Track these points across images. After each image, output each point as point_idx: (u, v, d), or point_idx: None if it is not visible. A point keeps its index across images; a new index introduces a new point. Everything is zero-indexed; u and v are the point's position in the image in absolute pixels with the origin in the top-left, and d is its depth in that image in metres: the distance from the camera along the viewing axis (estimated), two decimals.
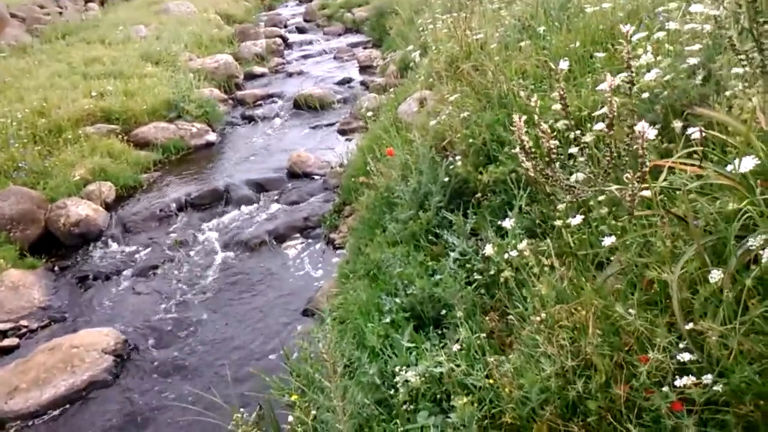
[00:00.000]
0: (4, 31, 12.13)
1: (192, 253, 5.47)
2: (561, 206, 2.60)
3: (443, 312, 2.74)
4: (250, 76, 11.18)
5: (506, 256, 2.60)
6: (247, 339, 4.10)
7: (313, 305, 4.23)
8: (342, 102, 9.19)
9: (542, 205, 3.07)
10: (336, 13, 15.48)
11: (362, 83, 9.65)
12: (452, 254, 2.95)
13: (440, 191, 3.58)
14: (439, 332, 2.68)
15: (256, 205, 6.22)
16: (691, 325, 1.73)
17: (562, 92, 1.53)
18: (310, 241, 5.40)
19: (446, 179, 3.66)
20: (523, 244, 2.55)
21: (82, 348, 4.03)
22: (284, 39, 13.57)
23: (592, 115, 3.07)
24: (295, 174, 6.70)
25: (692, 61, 2.66)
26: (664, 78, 2.74)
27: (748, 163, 1.57)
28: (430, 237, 3.49)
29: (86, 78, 9.08)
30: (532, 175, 1.56)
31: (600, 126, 2.55)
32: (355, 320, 2.97)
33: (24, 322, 4.68)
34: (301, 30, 15.21)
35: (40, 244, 5.76)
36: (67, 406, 3.71)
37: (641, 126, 1.32)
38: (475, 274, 2.91)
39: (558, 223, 2.46)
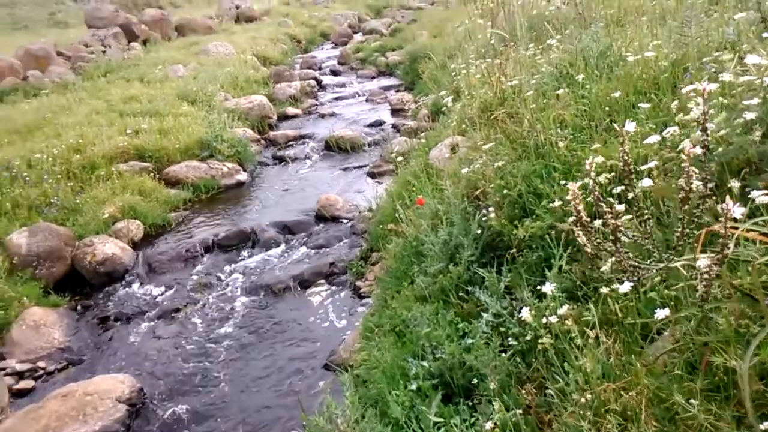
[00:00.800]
0: (48, 69, 12.55)
1: (215, 296, 5.35)
2: (605, 268, 2.40)
3: (474, 381, 2.52)
4: (284, 117, 11.28)
5: (544, 320, 2.39)
6: (265, 395, 3.90)
7: (335, 359, 4.03)
8: (373, 144, 9.14)
9: (583, 265, 2.86)
10: (370, 57, 15.65)
11: (393, 126, 9.61)
12: (485, 316, 2.74)
13: (472, 244, 3.39)
14: (470, 404, 2.46)
15: (282, 247, 6.10)
16: (767, 426, 1.49)
17: (626, 157, 1.35)
18: (335, 288, 5.23)
19: (478, 231, 3.47)
20: (563, 310, 2.34)
21: (96, 396, 3.89)
22: (318, 81, 13.73)
23: (639, 169, 2.88)
24: (323, 217, 6.59)
25: (749, 115, 2.45)
26: (719, 133, 2.54)
27: None
28: (460, 293, 3.28)
29: (123, 116, 9.24)
30: (590, 251, 1.36)
31: (648, 182, 2.36)
32: (378, 385, 2.76)
33: (41, 364, 4.58)
34: (335, 72, 15.40)
35: (65, 282, 5.72)
36: None
37: (727, 203, 1.13)
38: (509, 339, 2.69)
39: (604, 290, 2.24)
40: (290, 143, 9.76)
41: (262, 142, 9.90)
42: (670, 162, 2.82)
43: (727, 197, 1.16)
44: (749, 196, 1.95)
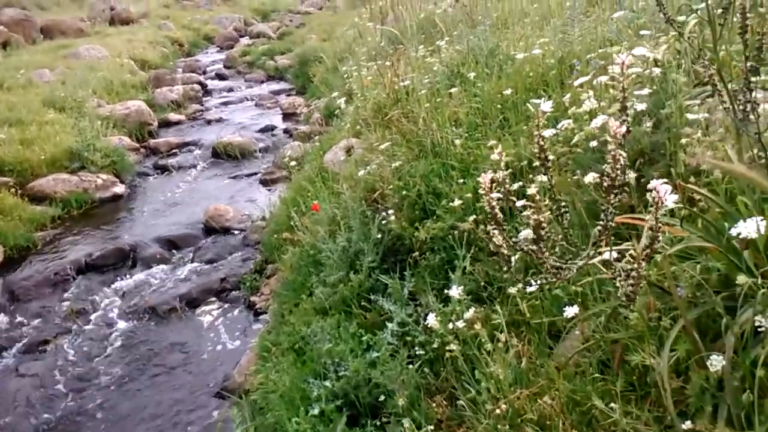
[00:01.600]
0: None
1: (90, 324, 4.78)
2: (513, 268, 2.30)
3: (382, 398, 2.32)
4: (166, 124, 10.56)
5: (451, 326, 2.26)
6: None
7: (229, 385, 3.69)
8: (264, 151, 8.76)
9: (487, 265, 2.77)
10: (258, 61, 15.16)
11: (286, 131, 9.28)
12: (390, 325, 2.56)
13: (373, 250, 3.21)
14: (378, 424, 2.26)
15: (166, 265, 5.60)
16: (689, 425, 1.41)
17: (541, 142, 1.20)
18: (227, 305, 4.85)
19: (378, 236, 3.30)
20: (470, 313, 2.22)
21: None
22: (203, 85, 13.06)
23: (533, 165, 2.84)
24: (212, 229, 6.15)
25: (639, 107, 2.45)
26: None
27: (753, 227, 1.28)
28: (363, 303, 3.09)
29: None
30: (506, 253, 1.20)
31: (543, 178, 2.29)
32: (276, 411, 2.49)
33: None
34: (221, 77, 14.74)
35: None
36: None
37: (656, 187, 1.00)
38: (416, 348, 2.53)
39: (513, 290, 2.14)
40: (173, 151, 9.12)
41: (142, 150, 9.18)
42: (563, 157, 2.80)
43: (656, 183, 1.04)
44: (648, 186, 1.90)
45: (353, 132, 5.63)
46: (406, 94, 4.81)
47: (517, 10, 5.77)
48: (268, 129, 9.70)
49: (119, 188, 7.56)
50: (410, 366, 2.31)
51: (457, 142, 3.43)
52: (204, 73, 15.10)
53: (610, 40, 3.74)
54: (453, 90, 4.18)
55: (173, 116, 10.79)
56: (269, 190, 7.13)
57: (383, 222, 3.32)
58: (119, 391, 3.96)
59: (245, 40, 19.08)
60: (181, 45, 18.75)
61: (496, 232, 1.13)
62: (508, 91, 3.61)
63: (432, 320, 2.35)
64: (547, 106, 1.33)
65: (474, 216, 2.92)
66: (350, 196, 3.69)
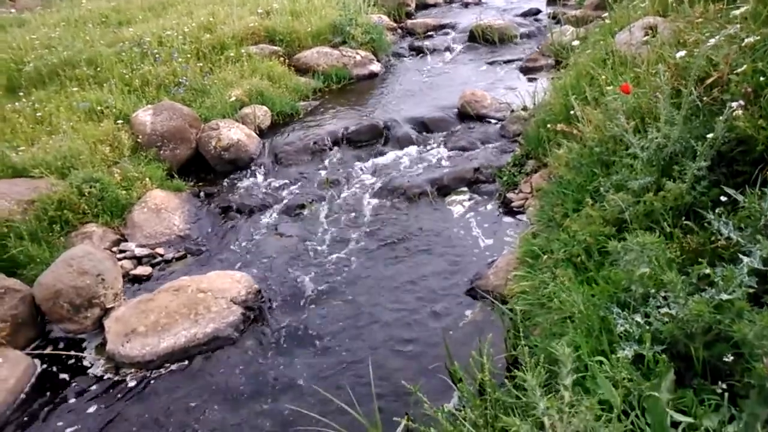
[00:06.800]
0: None
1: (343, 195, 4.74)
2: None
3: (730, 358, 1.63)
4: (423, 6, 10.20)
5: None
6: (396, 316, 3.26)
7: (482, 285, 3.28)
8: (526, 36, 7.88)
9: None
10: None
11: (552, 16, 8.20)
12: (746, 259, 1.80)
13: (706, 153, 2.37)
14: (719, 391, 1.60)
15: (418, 147, 5.32)
16: None
17: None
18: (479, 198, 4.40)
19: (710, 136, 2.43)
20: None
21: (210, 294, 3.47)
22: None
23: None
24: (466, 115, 5.67)
25: None
26: None
27: None
28: (680, 222, 2.33)
29: None
30: None
31: None
32: (570, 336, 1.96)
33: (160, 251, 4.28)
34: None
35: (189, 166, 5.39)
36: (184, 362, 3.17)
37: None
38: None
39: None
40: (429, 33, 8.72)
41: (399, 31, 8.95)
42: None
43: None
44: None
45: (654, 11, 4.52)
46: None
47: None
48: (531, 13, 8.71)
49: (375, 66, 7.44)
50: None
51: None
52: None
53: None
54: None
55: None
56: (530, 78, 6.36)
57: (723, 119, 2.42)
58: (366, 266, 3.83)
59: None
60: None
61: None
62: None
63: None
64: None
65: None
66: (671, 81, 2.81)
